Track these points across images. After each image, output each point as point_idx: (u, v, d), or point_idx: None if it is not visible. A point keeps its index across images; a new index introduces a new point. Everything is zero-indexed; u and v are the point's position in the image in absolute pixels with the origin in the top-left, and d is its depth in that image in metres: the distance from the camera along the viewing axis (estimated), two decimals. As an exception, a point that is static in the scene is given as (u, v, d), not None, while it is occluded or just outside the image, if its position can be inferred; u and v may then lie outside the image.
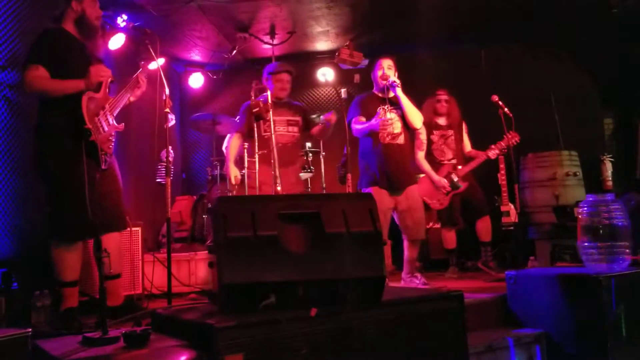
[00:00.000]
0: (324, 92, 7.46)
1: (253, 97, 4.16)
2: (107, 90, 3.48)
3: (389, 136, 4.38)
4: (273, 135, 4.05)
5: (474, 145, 5.58)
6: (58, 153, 3.20)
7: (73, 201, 3.12)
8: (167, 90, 3.74)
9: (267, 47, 6.69)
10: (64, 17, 3.45)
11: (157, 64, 3.68)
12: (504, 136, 5.24)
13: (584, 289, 3.32)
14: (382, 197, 4.25)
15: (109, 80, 3.51)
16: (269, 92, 4.24)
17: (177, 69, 7.37)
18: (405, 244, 4.51)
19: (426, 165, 5.31)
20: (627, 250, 3.46)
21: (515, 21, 6.33)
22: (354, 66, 6.78)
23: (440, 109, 5.47)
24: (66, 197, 3.19)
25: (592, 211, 3.55)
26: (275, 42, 6.57)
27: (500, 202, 5.63)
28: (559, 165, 5.77)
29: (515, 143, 5.32)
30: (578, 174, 5.77)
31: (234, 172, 4.56)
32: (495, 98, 4.86)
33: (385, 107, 4.41)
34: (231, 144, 4.67)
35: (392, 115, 4.40)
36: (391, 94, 4.45)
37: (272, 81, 4.61)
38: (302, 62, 7.06)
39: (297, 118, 4.68)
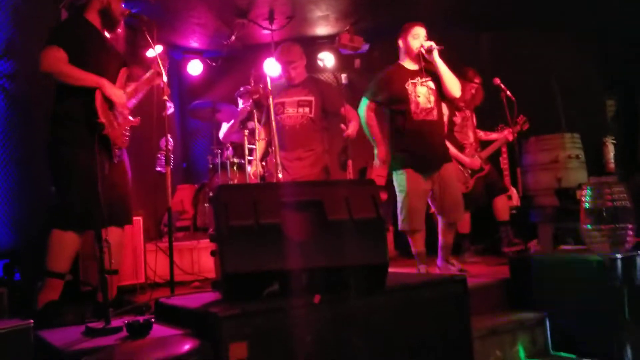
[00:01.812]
0: (324, 78, 7.41)
1: (252, 84, 4.12)
2: (124, 84, 3.47)
3: (422, 112, 4.12)
4: (273, 122, 4.02)
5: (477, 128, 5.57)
6: (71, 142, 3.18)
7: (83, 190, 3.10)
8: (165, 78, 3.71)
9: (266, 32, 6.64)
10: (87, 7, 3.43)
11: (155, 51, 3.65)
12: (516, 121, 5.23)
13: (587, 272, 3.32)
14: (417, 179, 4.08)
15: (126, 74, 3.50)
16: (268, 78, 4.19)
17: (175, 56, 7.32)
18: (441, 227, 4.26)
19: (451, 148, 5.08)
20: (631, 233, 3.45)
21: (515, 4, 6.27)
22: (355, 51, 6.74)
23: (469, 95, 5.39)
24: (76, 186, 3.16)
25: (595, 194, 3.54)
26: (274, 27, 6.51)
27: (502, 186, 5.62)
28: (561, 148, 5.74)
29: (526, 129, 5.45)
30: (580, 156, 5.74)
31: (254, 168, 4.45)
32: (497, 81, 4.80)
33: (416, 80, 4.15)
34: (259, 141, 4.52)
35: (422, 90, 4.15)
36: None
37: (282, 70, 4.53)
38: (302, 47, 6.97)
39: (311, 98, 4.49)
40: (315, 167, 4.47)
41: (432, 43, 4.11)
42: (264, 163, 4.49)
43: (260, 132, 4.38)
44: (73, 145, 3.18)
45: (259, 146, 4.44)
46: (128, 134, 3.42)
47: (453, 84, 4.17)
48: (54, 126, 3.25)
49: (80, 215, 3.14)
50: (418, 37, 4.18)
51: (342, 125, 4.42)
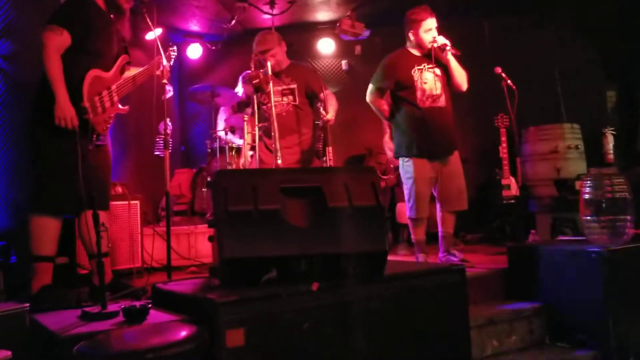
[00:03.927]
0: (325, 64, 7.36)
1: (253, 69, 4.08)
2: (120, 71, 3.37)
3: (429, 99, 4.09)
4: (274, 108, 3.99)
5: (477, 117, 5.54)
6: (52, 125, 3.01)
7: (62, 175, 3.03)
8: (164, 61, 3.66)
9: (267, 17, 6.58)
10: None
11: (154, 34, 3.60)
12: None
13: (585, 263, 3.31)
14: (423, 167, 4.06)
15: (125, 61, 3.41)
16: (269, 64, 4.15)
17: (175, 40, 7.26)
18: (441, 217, 4.20)
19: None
20: (630, 224, 3.45)
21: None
22: (356, 37, 6.68)
23: None
24: (55, 170, 3.08)
25: (595, 185, 3.53)
26: (275, 11, 6.44)
27: (501, 176, 5.62)
28: (560, 138, 5.72)
29: None
30: (580, 147, 5.73)
31: (246, 157, 4.48)
32: (499, 70, 4.77)
33: (422, 66, 4.11)
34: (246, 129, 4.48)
35: (429, 76, 4.11)
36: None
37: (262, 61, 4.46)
38: (303, 33, 6.96)
39: (293, 85, 4.46)
40: (303, 154, 4.46)
41: (446, 42, 4.06)
42: (251, 152, 4.46)
43: (258, 118, 4.35)
44: (54, 129, 3.01)
45: (247, 129, 4.46)
46: (111, 121, 3.32)
47: (462, 80, 4.17)
48: (37, 110, 3.12)
49: (58, 199, 3.07)
50: (430, 31, 4.12)
51: (322, 111, 4.38)
